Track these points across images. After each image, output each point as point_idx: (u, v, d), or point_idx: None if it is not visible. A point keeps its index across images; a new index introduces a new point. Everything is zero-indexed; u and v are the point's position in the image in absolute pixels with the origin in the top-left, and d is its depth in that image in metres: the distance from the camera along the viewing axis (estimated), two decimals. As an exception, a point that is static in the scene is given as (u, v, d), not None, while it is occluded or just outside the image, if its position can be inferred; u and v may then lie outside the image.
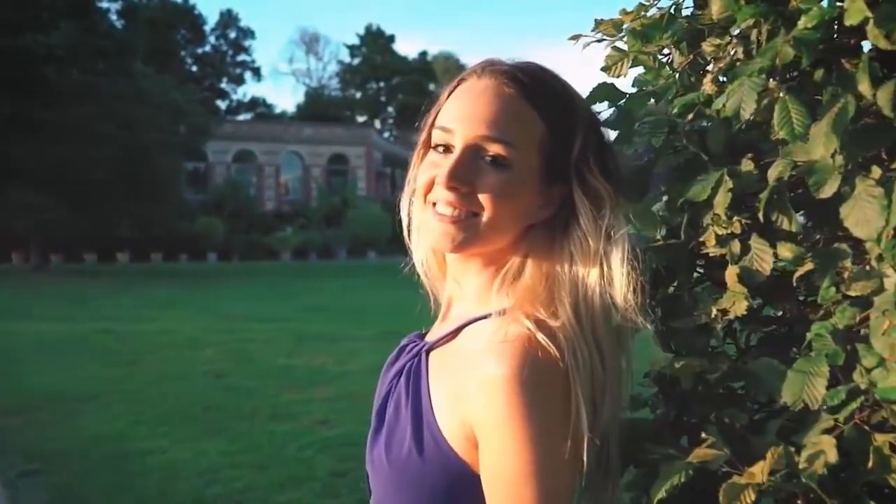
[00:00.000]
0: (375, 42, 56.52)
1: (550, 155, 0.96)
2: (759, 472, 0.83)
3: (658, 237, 1.04)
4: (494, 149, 0.94)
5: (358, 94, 57.72)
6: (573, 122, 0.98)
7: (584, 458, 0.88)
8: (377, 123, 56.25)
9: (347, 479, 5.12)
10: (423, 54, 59.05)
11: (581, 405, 0.88)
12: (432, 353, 1.01)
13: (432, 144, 0.99)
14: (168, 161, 25.89)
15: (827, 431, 0.89)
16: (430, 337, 1.07)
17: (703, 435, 0.93)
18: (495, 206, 0.94)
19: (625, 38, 1.14)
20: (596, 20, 1.12)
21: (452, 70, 58.91)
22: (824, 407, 0.90)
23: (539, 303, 0.92)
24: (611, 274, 0.94)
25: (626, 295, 0.93)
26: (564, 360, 0.87)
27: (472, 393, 0.88)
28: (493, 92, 0.96)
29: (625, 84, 1.18)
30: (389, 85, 57.38)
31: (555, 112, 0.97)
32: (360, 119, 54.83)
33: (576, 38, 1.15)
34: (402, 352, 1.09)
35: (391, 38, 57.36)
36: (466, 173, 0.94)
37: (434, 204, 0.96)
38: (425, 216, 0.99)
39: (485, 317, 0.96)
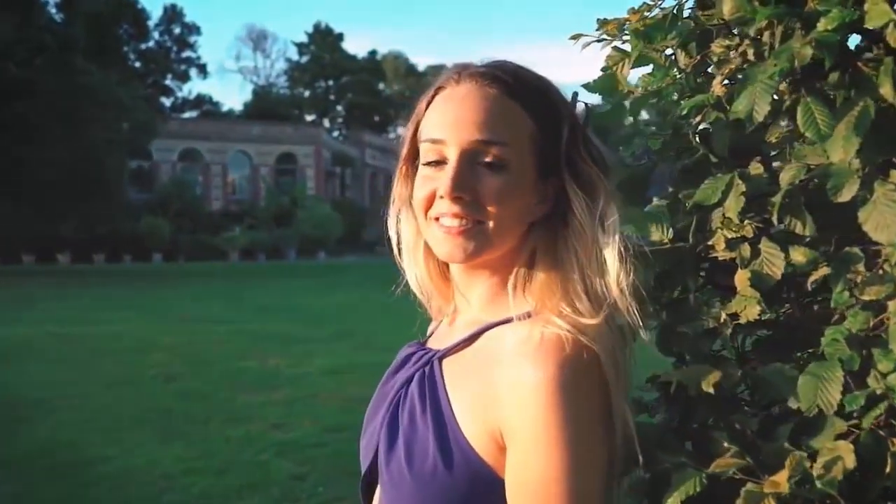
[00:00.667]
0: (324, 40, 56.03)
1: (542, 149, 0.96)
2: (782, 480, 0.82)
3: (666, 239, 1.02)
4: (491, 151, 0.93)
5: (306, 93, 57.15)
6: (558, 114, 0.98)
7: (639, 456, 0.90)
8: (326, 122, 55.77)
9: (307, 482, 5.05)
10: (373, 53, 58.77)
11: (625, 403, 0.88)
12: (446, 361, 0.98)
13: (423, 160, 0.97)
14: (111, 159, 25.21)
15: (840, 436, 0.89)
16: (438, 344, 1.04)
17: (725, 444, 0.92)
18: (499, 208, 0.93)
19: (626, 39, 1.13)
20: (599, 20, 1.11)
21: (402, 69, 58.80)
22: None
23: (560, 301, 0.91)
24: (604, 261, 0.93)
25: (620, 278, 0.92)
26: (601, 359, 0.87)
27: (504, 397, 0.87)
28: (476, 95, 0.95)
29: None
30: (338, 84, 56.94)
31: (540, 106, 0.97)
32: (309, 118, 54.27)
33: (576, 37, 1.13)
34: (406, 361, 1.06)
35: (340, 37, 56.92)
36: (467, 181, 0.93)
37: (437, 218, 0.95)
38: (430, 232, 0.97)
39: (504, 321, 0.94)
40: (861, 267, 0.90)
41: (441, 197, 0.93)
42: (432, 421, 0.92)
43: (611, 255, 0.93)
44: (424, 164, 0.97)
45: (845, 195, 0.86)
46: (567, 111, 0.99)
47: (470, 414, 0.90)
